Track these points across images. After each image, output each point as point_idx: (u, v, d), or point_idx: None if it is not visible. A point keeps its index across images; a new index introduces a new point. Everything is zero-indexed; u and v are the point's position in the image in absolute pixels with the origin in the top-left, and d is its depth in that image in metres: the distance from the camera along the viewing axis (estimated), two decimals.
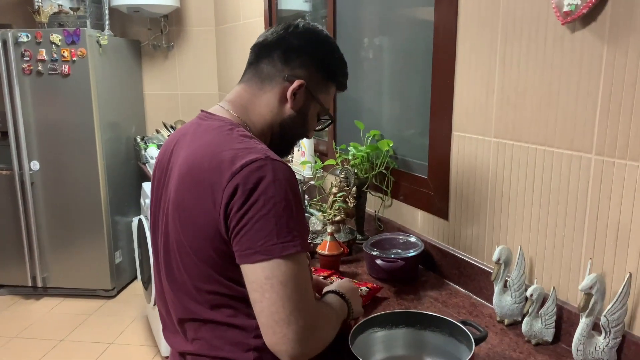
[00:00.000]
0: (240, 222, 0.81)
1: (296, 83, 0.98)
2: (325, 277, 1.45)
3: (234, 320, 0.90)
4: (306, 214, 2.03)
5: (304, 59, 0.99)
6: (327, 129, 1.33)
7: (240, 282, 0.86)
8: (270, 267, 0.79)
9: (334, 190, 1.78)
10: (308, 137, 1.10)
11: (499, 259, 1.24)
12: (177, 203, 0.91)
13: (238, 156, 0.83)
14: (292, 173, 0.86)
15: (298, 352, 0.80)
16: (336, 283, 1.17)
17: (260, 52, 1.01)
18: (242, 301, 0.88)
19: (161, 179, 1.01)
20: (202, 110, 1.03)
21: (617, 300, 1.00)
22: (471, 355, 0.90)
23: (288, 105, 0.99)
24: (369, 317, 1.07)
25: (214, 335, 0.91)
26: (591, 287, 1.01)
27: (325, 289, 1.13)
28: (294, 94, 0.98)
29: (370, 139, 1.85)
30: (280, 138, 1.03)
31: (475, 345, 0.93)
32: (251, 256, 0.80)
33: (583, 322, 1.03)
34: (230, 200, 0.81)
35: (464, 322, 1.01)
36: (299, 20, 1.06)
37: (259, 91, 1.00)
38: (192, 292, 0.91)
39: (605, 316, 1.01)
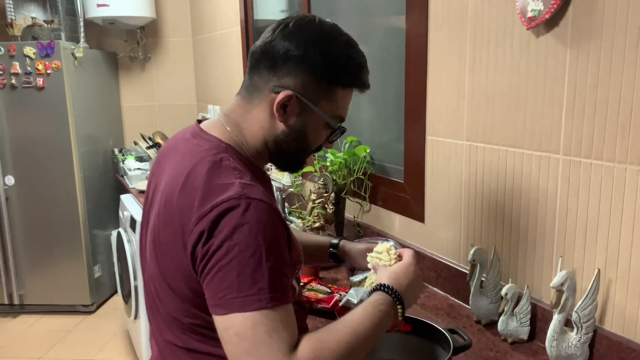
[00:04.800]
0: (204, 270, 0.74)
1: (282, 95, 0.84)
2: (305, 284, 1.45)
3: (220, 351, 0.79)
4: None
5: (292, 65, 0.84)
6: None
7: None
8: (227, 319, 0.72)
9: (313, 196, 1.79)
10: (317, 151, 0.97)
11: (473, 260, 1.26)
12: (153, 235, 0.85)
13: (210, 194, 0.75)
14: (270, 214, 0.76)
15: None
16: (387, 273, 0.93)
17: (251, 60, 0.90)
18: None
19: (148, 197, 0.96)
20: (197, 121, 0.95)
21: (587, 295, 1.02)
22: (449, 355, 0.92)
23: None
24: None
25: None
26: (562, 284, 1.03)
27: (372, 281, 0.96)
28: (282, 107, 0.85)
29: (347, 145, 1.86)
30: (279, 156, 0.92)
31: (455, 354, 0.94)
32: (213, 308, 0.74)
33: (555, 318, 1.05)
34: (196, 246, 0.75)
35: (451, 330, 1.02)
36: (293, 16, 0.90)
37: (248, 105, 0.89)
38: (173, 324, 0.87)
39: (576, 312, 1.03)
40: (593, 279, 1.02)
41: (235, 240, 0.72)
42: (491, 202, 1.31)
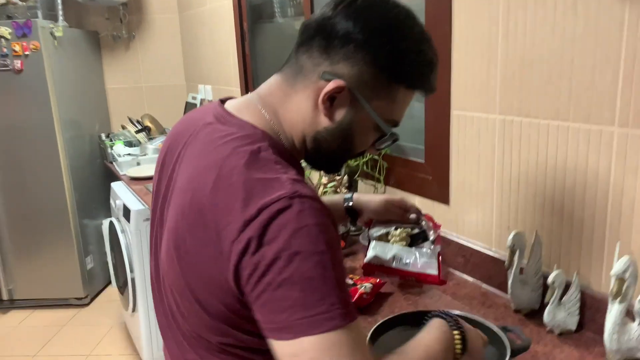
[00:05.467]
0: (257, 288, 0.61)
1: (332, 84, 0.69)
2: None
3: None
4: None
5: (351, 50, 0.69)
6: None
7: (261, 335, 0.66)
8: (296, 344, 0.59)
9: (324, 180, 1.67)
10: (360, 155, 0.83)
11: (513, 245, 1.15)
12: (176, 240, 0.71)
13: (255, 193, 0.62)
14: (325, 214, 0.63)
15: None
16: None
17: (302, 36, 0.74)
18: (259, 353, 0.71)
19: (160, 191, 0.80)
20: (220, 101, 0.78)
21: None
22: None
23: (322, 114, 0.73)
24: (392, 316, 0.96)
25: None
26: (624, 271, 0.93)
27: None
28: (329, 98, 0.71)
29: None
30: (316, 155, 0.77)
31: (513, 356, 0.83)
32: (274, 332, 0.61)
33: (616, 309, 0.95)
34: (242, 257, 0.61)
35: (504, 329, 0.91)
36: None
37: (290, 90, 0.74)
38: (197, 343, 0.74)
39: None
40: None
41: (294, 247, 0.59)
42: (529, 181, 1.19)
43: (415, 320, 0.97)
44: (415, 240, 1.20)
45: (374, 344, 0.89)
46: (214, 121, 0.75)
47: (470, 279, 1.37)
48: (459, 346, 0.75)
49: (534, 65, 1.13)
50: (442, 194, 1.46)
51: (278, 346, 0.61)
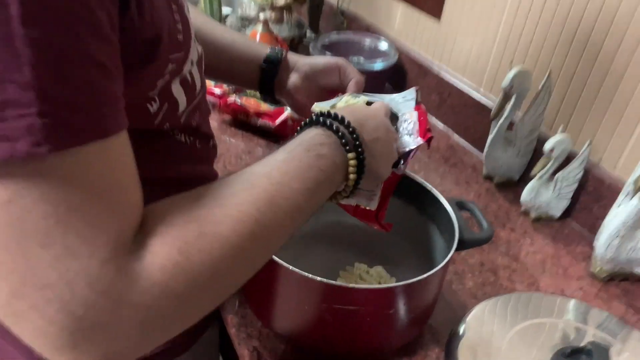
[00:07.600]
0: None
1: None
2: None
3: None
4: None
5: None
6: None
7: None
8: None
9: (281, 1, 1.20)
10: None
11: (510, 87, 0.79)
12: None
13: None
14: None
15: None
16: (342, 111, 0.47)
17: None
18: None
19: None
20: None
21: None
22: (445, 261, 0.50)
23: None
24: None
25: None
26: None
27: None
28: None
29: None
30: None
31: (461, 249, 0.53)
32: None
33: (633, 205, 0.64)
34: None
35: (459, 204, 0.59)
36: None
37: None
38: None
39: None
40: None
41: None
42: (562, 4, 0.79)
43: None
44: None
45: None
46: None
47: (440, 124, 1.03)
48: (352, 176, 0.44)
49: None
50: (434, 4, 1.04)
51: None
